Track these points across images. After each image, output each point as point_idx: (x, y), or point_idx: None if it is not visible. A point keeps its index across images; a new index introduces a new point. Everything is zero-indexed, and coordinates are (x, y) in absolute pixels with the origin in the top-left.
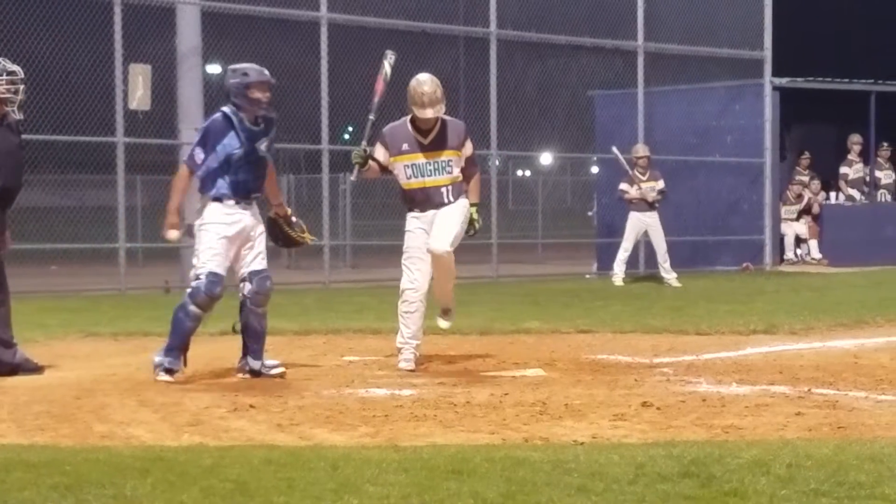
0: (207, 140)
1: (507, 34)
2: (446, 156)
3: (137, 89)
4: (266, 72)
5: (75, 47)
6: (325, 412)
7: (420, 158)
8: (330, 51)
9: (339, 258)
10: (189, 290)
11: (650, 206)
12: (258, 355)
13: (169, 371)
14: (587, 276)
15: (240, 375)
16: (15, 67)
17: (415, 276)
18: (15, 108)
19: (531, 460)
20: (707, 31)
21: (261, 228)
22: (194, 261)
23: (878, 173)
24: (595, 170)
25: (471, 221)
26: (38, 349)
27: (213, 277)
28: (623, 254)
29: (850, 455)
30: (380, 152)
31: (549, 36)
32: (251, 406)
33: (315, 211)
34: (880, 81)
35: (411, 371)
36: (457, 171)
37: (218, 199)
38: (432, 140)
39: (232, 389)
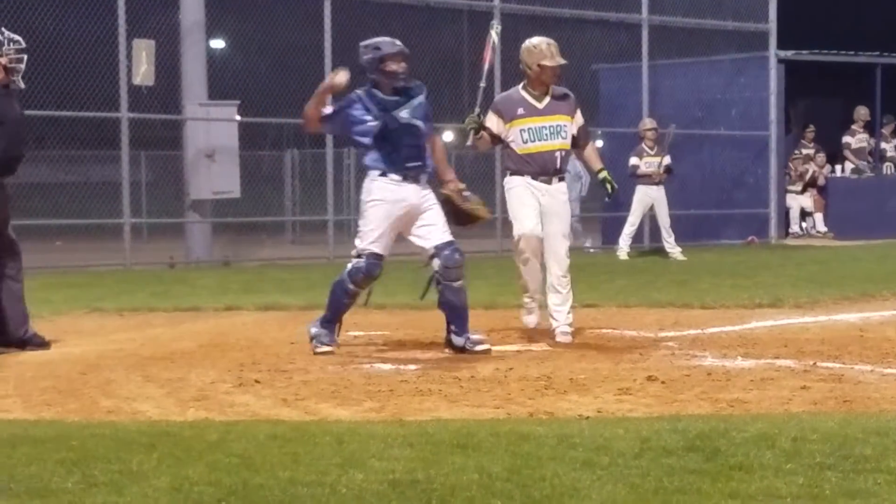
0: (337, 117)
1: (512, 7)
2: (561, 120)
3: (141, 64)
4: (398, 42)
5: (79, 22)
6: (331, 387)
7: (537, 122)
8: (333, 26)
9: (343, 233)
10: (349, 268)
11: (653, 179)
12: (462, 330)
13: (327, 344)
14: (591, 249)
15: (447, 351)
16: (18, 37)
17: (526, 221)
18: (18, 78)
19: (536, 434)
20: (712, 4)
21: (432, 200)
22: (357, 240)
23: (883, 145)
24: (599, 143)
25: (608, 180)
26: (44, 325)
27: (374, 259)
28: (629, 228)
29: (856, 428)
30: (492, 121)
31: (553, 9)
32: (256, 381)
33: (319, 186)
34: (886, 54)
35: (533, 328)
36: (569, 138)
37: (382, 173)
38: (547, 105)
39: (237, 364)
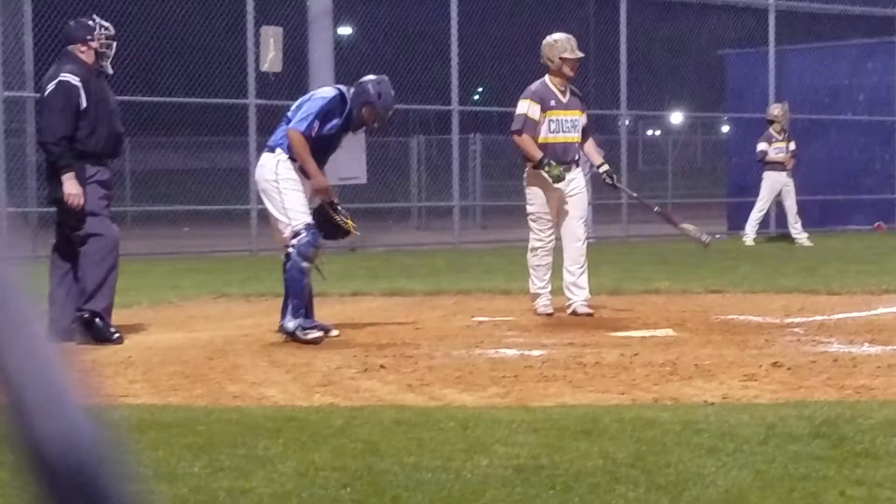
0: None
1: None
2: (578, 115)
3: (269, 51)
4: (392, 105)
5: (208, 10)
6: (455, 372)
7: (562, 115)
8: (460, 11)
9: (468, 219)
10: (297, 250)
11: (784, 166)
12: (295, 314)
13: (317, 328)
14: (717, 235)
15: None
16: (108, 24)
17: (542, 235)
18: (108, 63)
19: (661, 420)
20: None
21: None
22: (285, 222)
23: None
24: (725, 129)
25: (611, 174)
26: (172, 310)
27: (313, 227)
28: (757, 214)
29: None
30: (534, 110)
31: None
32: (381, 366)
33: (445, 171)
34: None
35: (549, 315)
36: (580, 132)
37: (290, 157)
38: (569, 99)
39: (362, 350)
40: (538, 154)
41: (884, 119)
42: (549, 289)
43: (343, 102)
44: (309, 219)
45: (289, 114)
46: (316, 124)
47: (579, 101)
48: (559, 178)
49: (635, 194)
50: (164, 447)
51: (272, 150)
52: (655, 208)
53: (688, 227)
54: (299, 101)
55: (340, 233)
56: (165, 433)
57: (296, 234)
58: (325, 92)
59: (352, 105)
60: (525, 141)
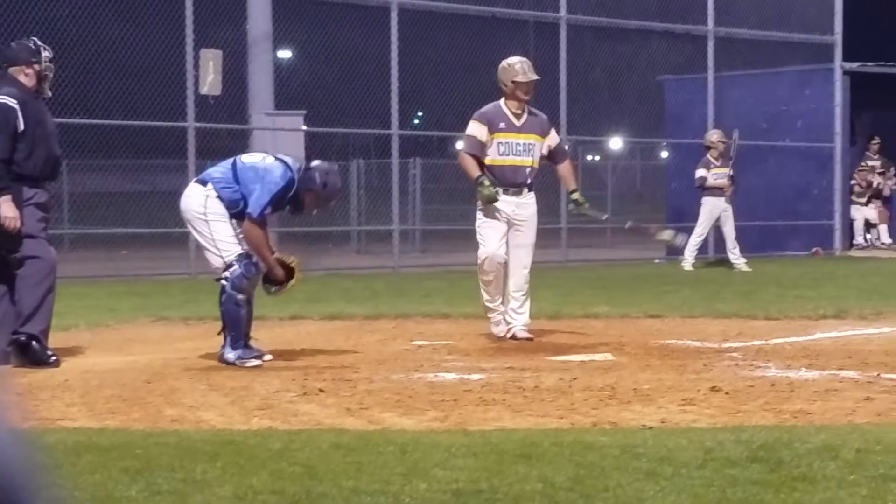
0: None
1: (578, 19)
2: (534, 139)
3: (208, 74)
4: (335, 199)
5: (147, 33)
6: (395, 396)
7: (513, 138)
8: (400, 36)
9: (408, 243)
10: (228, 281)
11: (723, 192)
12: (235, 345)
13: (254, 357)
14: (656, 261)
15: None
16: (47, 47)
17: (491, 245)
18: (46, 86)
19: (599, 445)
20: (777, 16)
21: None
22: (216, 255)
23: None
24: (665, 154)
25: (579, 203)
26: (109, 333)
27: (246, 259)
28: (696, 239)
29: None
30: (481, 131)
31: (619, 20)
32: (320, 390)
33: (385, 195)
34: None
35: (502, 338)
36: (538, 157)
37: (218, 196)
38: (524, 123)
39: (301, 374)
40: (475, 173)
41: (822, 145)
42: (501, 307)
43: (290, 186)
44: (240, 248)
45: (239, 163)
46: (269, 210)
47: (540, 125)
48: (490, 199)
49: (605, 216)
50: (101, 470)
51: (203, 183)
52: (627, 224)
53: (664, 234)
54: (251, 163)
55: (289, 272)
56: (103, 456)
57: (228, 266)
58: (278, 173)
59: (298, 187)
60: (465, 159)
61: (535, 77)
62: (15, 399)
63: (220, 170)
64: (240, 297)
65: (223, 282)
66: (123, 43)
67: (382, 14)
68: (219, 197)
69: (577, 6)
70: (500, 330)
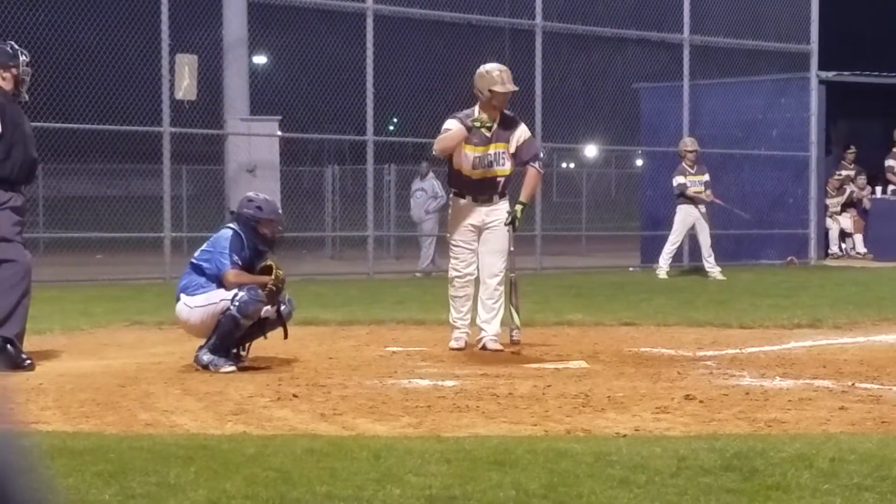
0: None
1: (553, 26)
2: (503, 147)
3: (184, 79)
4: (279, 211)
5: (122, 37)
6: (368, 402)
7: (484, 150)
8: (375, 42)
9: (383, 249)
10: (235, 306)
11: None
12: (216, 351)
13: (227, 364)
14: (631, 268)
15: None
16: (25, 51)
17: (460, 266)
18: (24, 90)
19: (573, 452)
20: (753, 25)
21: None
22: (214, 309)
23: None
24: (640, 162)
25: (514, 217)
26: (84, 337)
27: (253, 289)
28: (670, 247)
29: (894, 450)
30: (457, 125)
31: (595, 28)
32: (294, 395)
33: (359, 201)
34: None
35: (460, 349)
36: (509, 165)
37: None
38: (494, 132)
39: (275, 379)
40: (462, 132)
41: (797, 154)
42: (467, 322)
43: (240, 237)
44: (235, 289)
45: (194, 260)
46: (235, 256)
47: (508, 133)
48: (485, 122)
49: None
50: (75, 474)
51: (177, 299)
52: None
53: None
54: (204, 246)
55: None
56: (77, 460)
57: (234, 298)
58: (224, 232)
59: (245, 235)
60: (444, 137)
61: (513, 88)
62: (6, 402)
63: (186, 276)
64: (243, 321)
65: (230, 310)
66: (99, 47)
67: (358, 20)
68: (194, 295)
69: (553, 14)
70: (458, 342)
